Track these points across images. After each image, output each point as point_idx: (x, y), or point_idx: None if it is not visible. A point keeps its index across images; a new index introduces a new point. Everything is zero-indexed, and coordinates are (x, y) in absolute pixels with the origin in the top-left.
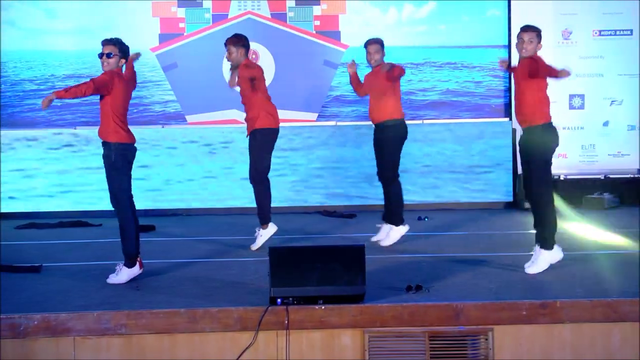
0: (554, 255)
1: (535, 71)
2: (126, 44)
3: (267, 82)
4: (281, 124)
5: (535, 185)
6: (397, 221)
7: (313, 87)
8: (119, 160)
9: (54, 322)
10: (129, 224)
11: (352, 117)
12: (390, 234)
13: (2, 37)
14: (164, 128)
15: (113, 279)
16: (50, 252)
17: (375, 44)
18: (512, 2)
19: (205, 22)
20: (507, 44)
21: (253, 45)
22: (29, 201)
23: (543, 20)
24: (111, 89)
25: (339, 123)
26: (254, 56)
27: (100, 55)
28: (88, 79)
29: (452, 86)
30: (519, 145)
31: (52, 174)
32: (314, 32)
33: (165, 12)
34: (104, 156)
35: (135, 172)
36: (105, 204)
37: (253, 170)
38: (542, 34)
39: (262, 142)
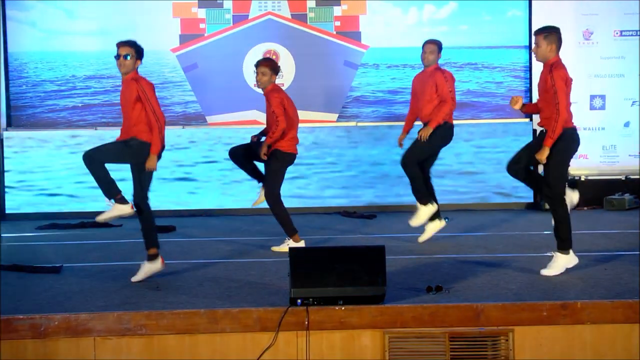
0: (570, 259)
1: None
2: (141, 45)
3: (288, 83)
4: (302, 124)
5: (552, 181)
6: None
7: (333, 87)
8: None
9: (74, 323)
10: (153, 218)
11: (373, 118)
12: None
13: (23, 38)
14: (184, 129)
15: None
16: (70, 252)
17: (431, 44)
18: (533, 2)
19: (225, 22)
20: (527, 44)
21: (273, 46)
22: (49, 201)
23: (564, 20)
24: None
25: (360, 123)
26: (274, 56)
27: (117, 57)
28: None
29: (472, 87)
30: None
31: (73, 175)
32: (335, 32)
33: (186, 12)
34: (140, 157)
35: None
36: None
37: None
38: (563, 34)
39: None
